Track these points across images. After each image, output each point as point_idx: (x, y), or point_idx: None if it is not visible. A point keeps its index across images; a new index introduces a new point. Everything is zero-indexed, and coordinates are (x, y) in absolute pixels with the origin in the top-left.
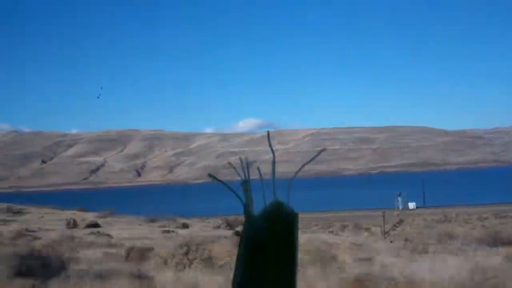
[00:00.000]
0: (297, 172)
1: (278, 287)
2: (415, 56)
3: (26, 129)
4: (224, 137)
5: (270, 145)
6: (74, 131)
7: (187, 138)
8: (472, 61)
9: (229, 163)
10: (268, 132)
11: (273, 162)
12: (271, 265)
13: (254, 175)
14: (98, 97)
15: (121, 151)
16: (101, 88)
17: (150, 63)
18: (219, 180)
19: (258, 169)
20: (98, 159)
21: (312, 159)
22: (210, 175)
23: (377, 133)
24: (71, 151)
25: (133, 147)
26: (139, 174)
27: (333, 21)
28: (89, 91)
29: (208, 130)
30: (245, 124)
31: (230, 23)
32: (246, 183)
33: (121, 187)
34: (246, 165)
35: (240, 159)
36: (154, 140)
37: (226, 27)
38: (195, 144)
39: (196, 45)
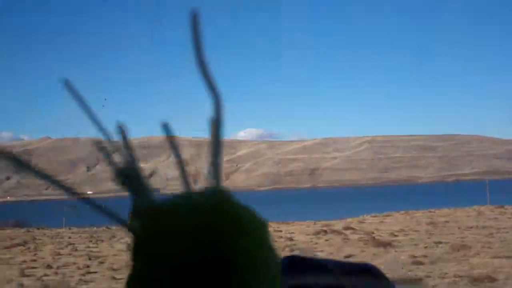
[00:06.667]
0: None
1: None
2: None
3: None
4: (271, 144)
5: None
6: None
7: (231, 145)
8: None
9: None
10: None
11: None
12: None
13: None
14: (103, 106)
15: (169, 158)
16: (105, 99)
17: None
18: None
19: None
20: (147, 166)
21: None
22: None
23: (435, 141)
24: (116, 158)
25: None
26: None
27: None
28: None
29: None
30: (246, 133)
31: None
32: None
33: None
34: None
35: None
36: (199, 147)
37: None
38: (243, 151)
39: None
